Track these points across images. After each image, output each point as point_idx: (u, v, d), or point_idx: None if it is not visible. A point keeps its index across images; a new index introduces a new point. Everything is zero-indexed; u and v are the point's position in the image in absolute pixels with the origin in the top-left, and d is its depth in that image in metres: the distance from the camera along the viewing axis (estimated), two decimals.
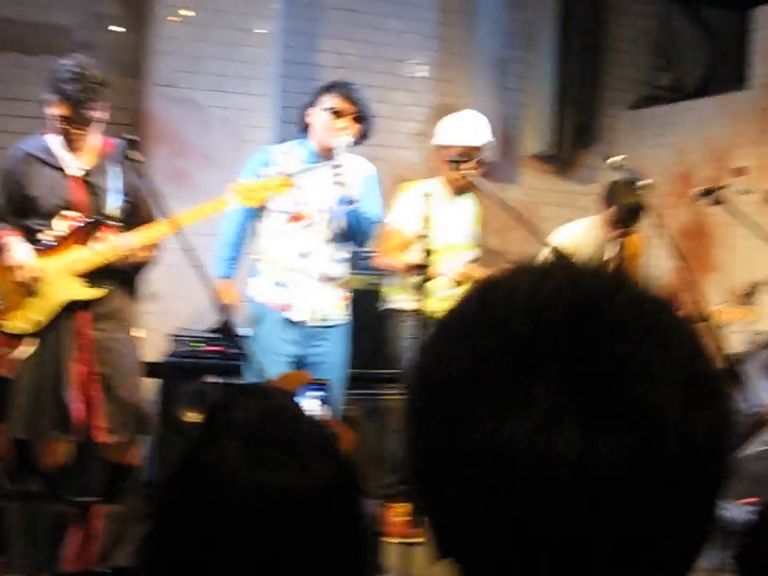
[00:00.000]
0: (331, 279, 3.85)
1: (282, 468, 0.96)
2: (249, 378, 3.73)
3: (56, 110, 3.45)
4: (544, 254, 4.03)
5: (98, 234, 3.50)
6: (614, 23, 6.16)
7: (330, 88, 3.85)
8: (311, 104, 3.86)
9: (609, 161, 3.74)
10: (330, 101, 3.79)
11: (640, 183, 3.64)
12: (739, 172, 5.26)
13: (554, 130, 5.91)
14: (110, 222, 3.52)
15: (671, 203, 5.54)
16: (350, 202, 3.71)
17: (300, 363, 3.78)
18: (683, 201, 5.58)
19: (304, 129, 3.88)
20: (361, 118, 3.83)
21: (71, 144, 3.54)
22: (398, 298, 4.11)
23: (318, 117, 3.81)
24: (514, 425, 0.56)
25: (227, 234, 3.85)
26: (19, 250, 3.43)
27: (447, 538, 0.64)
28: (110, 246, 3.46)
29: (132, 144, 3.10)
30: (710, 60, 6.40)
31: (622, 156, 3.81)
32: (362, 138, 3.87)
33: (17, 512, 3.62)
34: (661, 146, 5.91)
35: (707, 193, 3.93)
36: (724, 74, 6.31)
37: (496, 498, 0.58)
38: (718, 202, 3.93)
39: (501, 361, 0.59)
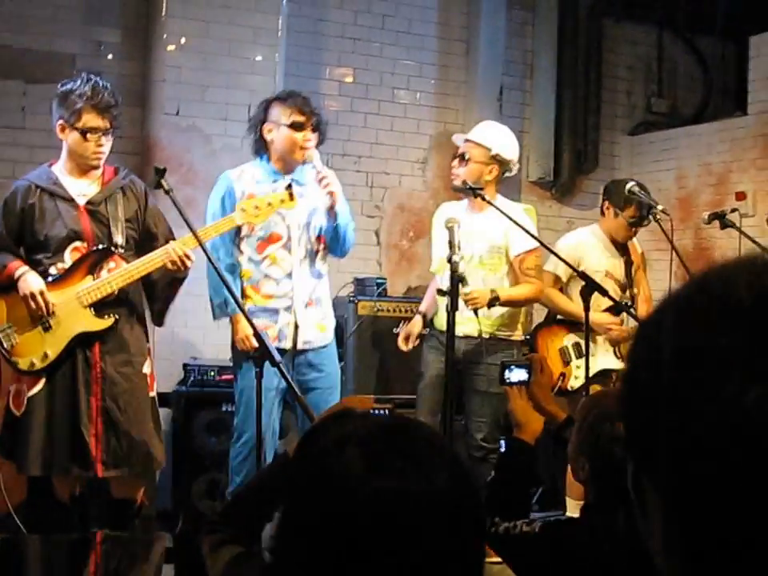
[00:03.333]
0: (313, 300, 3.75)
1: (402, 475, 0.99)
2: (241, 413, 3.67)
3: (84, 122, 3.41)
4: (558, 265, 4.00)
5: (106, 263, 3.47)
6: (610, 51, 6.29)
7: (283, 101, 3.68)
8: (264, 119, 3.69)
9: (627, 186, 3.79)
10: (289, 115, 3.63)
11: (656, 209, 3.68)
12: (741, 196, 5.35)
13: (554, 157, 5.99)
14: (117, 251, 3.49)
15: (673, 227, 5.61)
16: (335, 214, 3.61)
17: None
18: (685, 225, 5.66)
19: (262, 146, 3.72)
20: (318, 126, 3.69)
21: (80, 168, 3.51)
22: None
23: (278, 133, 3.65)
24: (759, 391, 0.60)
25: (219, 271, 3.59)
26: (32, 280, 3.38)
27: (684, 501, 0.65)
28: (117, 274, 3.42)
29: (160, 173, 3.08)
30: (704, 87, 6.54)
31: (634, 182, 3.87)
32: (317, 146, 3.73)
33: (31, 544, 3.58)
34: (660, 171, 6.01)
35: (716, 217, 3.99)
36: (718, 101, 6.45)
37: (734, 458, 0.61)
38: (726, 226, 3.99)
39: (737, 338, 0.62)
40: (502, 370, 2.35)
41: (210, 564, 1.71)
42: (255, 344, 3.50)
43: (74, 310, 3.42)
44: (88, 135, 3.42)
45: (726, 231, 4.37)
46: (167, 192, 3.09)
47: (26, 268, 3.42)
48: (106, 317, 3.47)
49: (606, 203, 4.33)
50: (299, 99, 3.68)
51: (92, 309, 3.43)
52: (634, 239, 4.48)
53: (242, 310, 3.17)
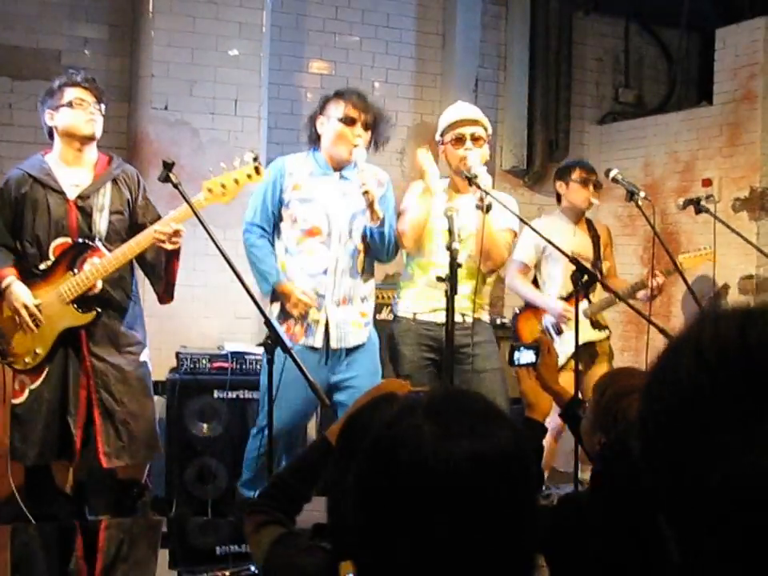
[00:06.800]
0: (348, 298, 3.64)
1: (471, 437, 1.05)
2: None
3: (68, 96, 3.48)
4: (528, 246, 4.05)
5: (89, 257, 3.49)
6: (579, 44, 6.48)
7: (339, 96, 3.64)
8: (320, 112, 3.66)
9: (610, 174, 3.96)
10: (341, 109, 3.59)
11: (639, 195, 3.85)
12: (707, 183, 5.58)
13: (527, 146, 6.18)
14: (96, 243, 3.51)
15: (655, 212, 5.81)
16: (381, 222, 3.51)
17: (327, 391, 3.45)
18: (653, 210, 5.87)
19: (315, 139, 3.68)
20: (372, 125, 3.62)
21: (75, 154, 3.54)
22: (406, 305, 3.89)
23: (329, 126, 3.61)
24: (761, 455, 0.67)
25: (261, 251, 3.61)
26: (19, 292, 3.44)
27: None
28: (96, 268, 3.45)
29: (169, 167, 3.12)
30: (669, 78, 6.76)
31: (616, 170, 4.05)
32: (374, 145, 3.68)
33: (34, 533, 3.63)
34: (628, 158, 6.21)
35: (691, 203, 4.20)
36: (682, 91, 6.67)
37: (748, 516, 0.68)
38: (701, 212, 4.20)
39: (741, 403, 0.69)
40: (511, 352, 2.45)
41: (253, 544, 1.78)
42: (310, 301, 3.54)
43: (57, 307, 3.46)
44: (73, 103, 3.48)
45: (691, 216, 4.62)
46: (175, 186, 3.10)
47: (12, 278, 3.46)
48: (89, 311, 3.51)
49: (557, 183, 4.68)
50: (355, 95, 3.63)
51: (74, 304, 3.47)
52: (599, 220, 4.74)
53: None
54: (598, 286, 4.35)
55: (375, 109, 3.67)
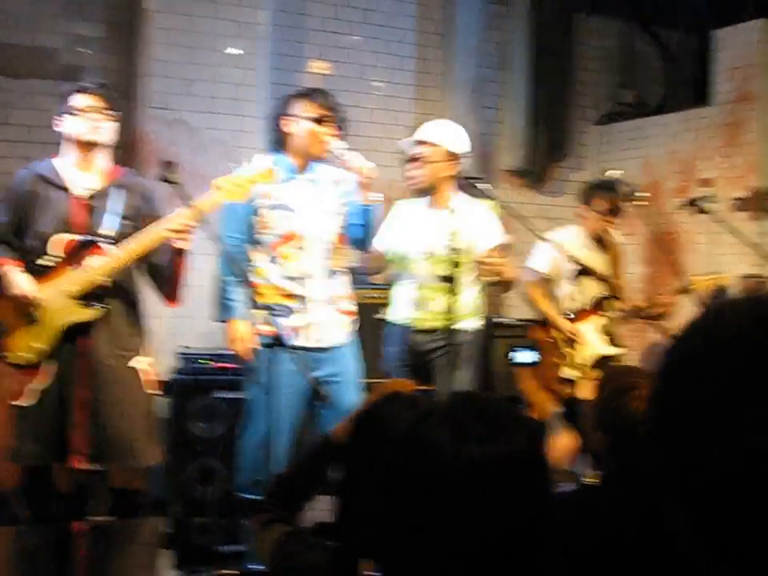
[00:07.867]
0: (329, 298, 3.70)
1: (486, 441, 1.08)
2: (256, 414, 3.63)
3: (81, 103, 3.45)
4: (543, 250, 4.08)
5: (91, 254, 3.45)
6: (580, 44, 6.48)
7: (306, 96, 3.65)
8: (285, 113, 3.65)
9: (607, 173, 3.96)
10: (313, 109, 3.60)
11: (637, 194, 3.86)
12: (706, 183, 5.59)
13: (528, 146, 6.18)
14: (103, 242, 3.48)
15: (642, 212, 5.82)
16: (369, 198, 3.52)
17: (312, 389, 3.48)
18: (653, 210, 5.88)
19: (281, 140, 3.67)
20: (340, 124, 3.66)
21: (83, 156, 3.52)
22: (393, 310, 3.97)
23: (300, 127, 3.61)
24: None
25: (226, 271, 3.63)
26: (20, 279, 3.40)
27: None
28: (100, 265, 3.42)
29: (170, 166, 3.11)
30: (669, 78, 6.77)
31: (620, 171, 4.05)
32: None
33: (33, 535, 3.59)
34: (628, 159, 6.22)
35: (691, 203, 4.20)
36: (682, 92, 6.68)
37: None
38: (700, 211, 4.20)
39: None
40: (510, 352, 2.48)
41: (258, 543, 1.79)
42: (248, 348, 3.58)
43: (59, 302, 3.42)
44: (74, 110, 3.45)
45: (691, 216, 4.62)
46: (174, 186, 3.11)
47: (13, 265, 3.42)
48: (94, 307, 3.47)
49: (580, 206, 4.56)
50: (324, 95, 3.65)
51: (78, 300, 3.43)
52: (613, 232, 4.68)
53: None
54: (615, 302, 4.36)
55: (341, 108, 3.69)
